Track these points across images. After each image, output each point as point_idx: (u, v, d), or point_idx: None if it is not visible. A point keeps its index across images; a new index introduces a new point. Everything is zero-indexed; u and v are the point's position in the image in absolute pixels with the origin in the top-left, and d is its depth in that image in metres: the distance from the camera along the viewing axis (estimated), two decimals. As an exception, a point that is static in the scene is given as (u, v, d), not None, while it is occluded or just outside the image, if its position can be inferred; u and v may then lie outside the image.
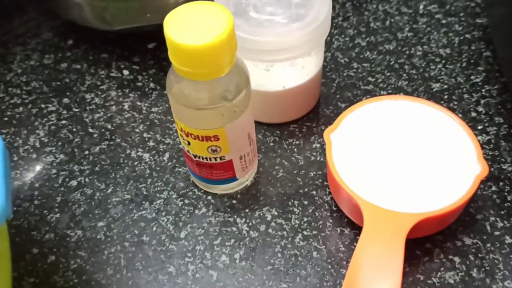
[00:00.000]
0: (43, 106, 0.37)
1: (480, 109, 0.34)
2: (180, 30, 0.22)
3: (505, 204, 0.30)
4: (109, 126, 0.35)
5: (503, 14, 0.35)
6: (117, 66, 0.39)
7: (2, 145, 0.17)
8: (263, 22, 0.29)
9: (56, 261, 0.29)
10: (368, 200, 0.26)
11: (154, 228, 0.30)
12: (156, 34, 0.37)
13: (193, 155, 0.28)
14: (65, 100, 0.37)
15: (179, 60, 0.23)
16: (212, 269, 0.28)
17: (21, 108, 0.37)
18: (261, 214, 0.30)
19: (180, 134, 0.28)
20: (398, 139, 0.29)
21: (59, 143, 0.34)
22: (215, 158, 0.28)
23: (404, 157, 0.28)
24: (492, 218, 0.29)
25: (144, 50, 0.40)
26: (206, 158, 0.28)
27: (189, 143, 0.28)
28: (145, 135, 0.35)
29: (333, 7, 0.42)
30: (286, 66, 0.31)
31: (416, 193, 0.26)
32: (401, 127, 0.29)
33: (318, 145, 0.33)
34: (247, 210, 0.30)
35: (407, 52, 0.38)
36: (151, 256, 0.29)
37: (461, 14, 0.41)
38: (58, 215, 0.31)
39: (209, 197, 0.31)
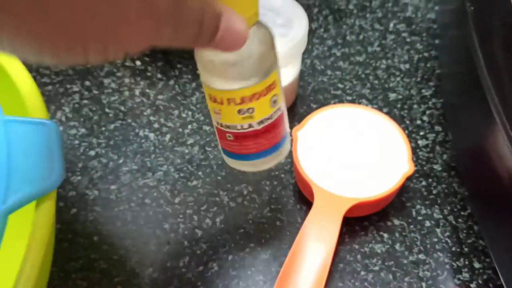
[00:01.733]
0: (68, 86, 0.44)
1: (425, 118, 0.42)
2: None
3: (430, 196, 0.38)
4: (122, 108, 0.43)
5: (449, 36, 0.42)
6: (131, 57, 0.47)
7: (56, 126, 0.25)
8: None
9: (77, 213, 0.37)
10: (319, 185, 0.34)
11: (155, 194, 0.38)
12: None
13: (258, 123, 0.27)
14: (87, 83, 0.45)
15: None
16: (198, 228, 0.36)
17: (50, 87, 0.44)
18: (240, 189, 0.38)
19: (239, 110, 0.26)
20: (348, 139, 0.37)
21: (81, 119, 0.42)
22: (275, 112, 0.27)
23: (350, 154, 0.36)
24: (418, 206, 0.37)
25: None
26: (270, 117, 0.27)
27: (253, 111, 0.26)
28: (151, 118, 0.42)
29: (317, 20, 0.49)
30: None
31: (356, 182, 0.35)
32: (352, 130, 0.37)
33: (290, 138, 0.41)
34: (228, 185, 0.38)
35: (373, 64, 0.46)
36: (151, 215, 0.37)
37: (424, 35, 0.48)
38: (79, 177, 0.39)
39: (200, 173, 0.39)
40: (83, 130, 0.42)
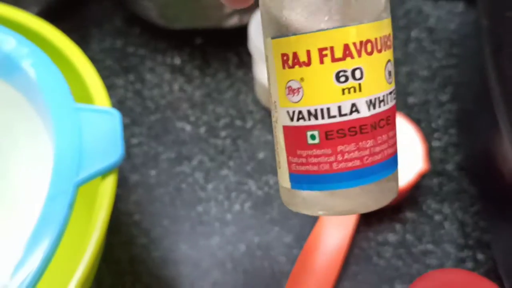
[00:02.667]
0: (115, 80, 0.49)
1: (440, 122, 0.46)
2: None
3: (441, 193, 0.41)
4: (163, 102, 0.47)
5: (469, 47, 0.46)
6: (171, 55, 0.51)
7: (119, 114, 0.29)
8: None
9: (121, 194, 0.41)
10: (339, 178, 0.38)
11: (190, 180, 0.42)
12: (203, 32, 0.49)
13: (368, 102, 0.17)
14: (131, 77, 0.49)
15: None
16: (228, 212, 0.40)
17: (97, 80, 0.49)
18: (266, 179, 0.42)
19: (338, 73, 0.17)
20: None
21: (125, 110, 0.47)
22: (391, 94, 0.18)
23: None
24: (429, 201, 0.41)
25: (192, 44, 0.52)
26: (385, 100, 0.18)
27: (361, 75, 0.17)
28: (188, 111, 0.47)
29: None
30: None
31: (373, 177, 0.38)
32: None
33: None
34: (256, 175, 0.42)
35: (395, 70, 0.50)
36: (186, 198, 0.41)
37: (444, 44, 0.52)
38: (123, 162, 0.43)
39: (231, 163, 0.43)
40: (127, 121, 0.46)
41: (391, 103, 0.18)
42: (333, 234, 0.36)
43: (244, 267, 0.38)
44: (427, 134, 0.45)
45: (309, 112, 0.17)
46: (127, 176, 0.42)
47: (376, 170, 0.18)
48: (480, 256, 0.38)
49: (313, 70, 0.17)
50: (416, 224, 0.40)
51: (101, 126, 0.28)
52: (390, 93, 0.18)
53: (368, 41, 0.17)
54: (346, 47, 0.17)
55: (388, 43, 0.18)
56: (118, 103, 0.47)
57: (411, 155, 0.39)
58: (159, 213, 0.40)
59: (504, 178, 0.36)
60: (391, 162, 0.19)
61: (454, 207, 0.41)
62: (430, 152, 0.44)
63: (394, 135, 0.18)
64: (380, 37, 0.17)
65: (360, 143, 0.17)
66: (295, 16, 0.17)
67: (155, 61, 0.50)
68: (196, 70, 0.50)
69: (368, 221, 0.40)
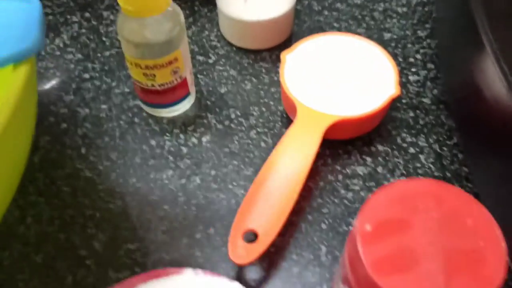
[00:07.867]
0: (68, 17, 0.45)
1: (418, 56, 0.42)
2: None
3: (417, 126, 0.38)
4: (118, 38, 0.44)
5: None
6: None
7: (39, 2, 0.26)
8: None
9: (67, 128, 0.38)
10: (301, 102, 0.34)
11: (144, 114, 0.39)
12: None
13: (159, 85, 0.35)
14: (87, 14, 0.46)
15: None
16: (184, 146, 0.37)
17: (51, 17, 0.45)
18: (227, 113, 0.39)
19: (143, 74, 0.35)
20: (337, 62, 0.37)
21: (78, 46, 0.43)
22: (176, 79, 0.36)
23: (338, 76, 0.36)
24: (404, 135, 0.37)
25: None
26: (171, 82, 0.36)
27: (154, 76, 0.35)
28: (147, 47, 0.43)
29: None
30: (261, 0, 0.39)
31: (340, 102, 0.35)
32: (341, 54, 0.37)
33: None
34: (217, 109, 0.39)
35: (370, 7, 0.46)
36: (139, 132, 0.38)
37: (423, -19, 0.48)
38: (72, 96, 0.40)
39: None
40: (79, 56, 0.43)
41: (176, 82, 0.37)
42: (292, 160, 0.33)
43: (197, 200, 0.34)
44: (404, 69, 0.41)
45: (160, 85, 0.36)
46: (75, 110, 0.39)
47: (164, 106, 0.38)
48: (457, 189, 0.34)
49: (132, 68, 0.36)
50: (388, 157, 0.36)
51: (18, 14, 0.24)
52: (176, 79, 0.37)
53: (157, 64, 0.34)
54: (146, 66, 0.34)
55: (174, 61, 0.35)
56: (71, 39, 0.44)
57: (382, 80, 0.36)
58: (107, 147, 0.37)
59: (487, 104, 0.32)
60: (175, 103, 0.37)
61: (431, 140, 0.37)
62: (407, 85, 0.40)
63: (180, 92, 0.38)
64: (166, 62, 0.34)
65: (157, 96, 0.37)
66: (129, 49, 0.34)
67: (114, -2, 0.47)
68: (158, 7, 0.46)
69: (335, 154, 0.36)
